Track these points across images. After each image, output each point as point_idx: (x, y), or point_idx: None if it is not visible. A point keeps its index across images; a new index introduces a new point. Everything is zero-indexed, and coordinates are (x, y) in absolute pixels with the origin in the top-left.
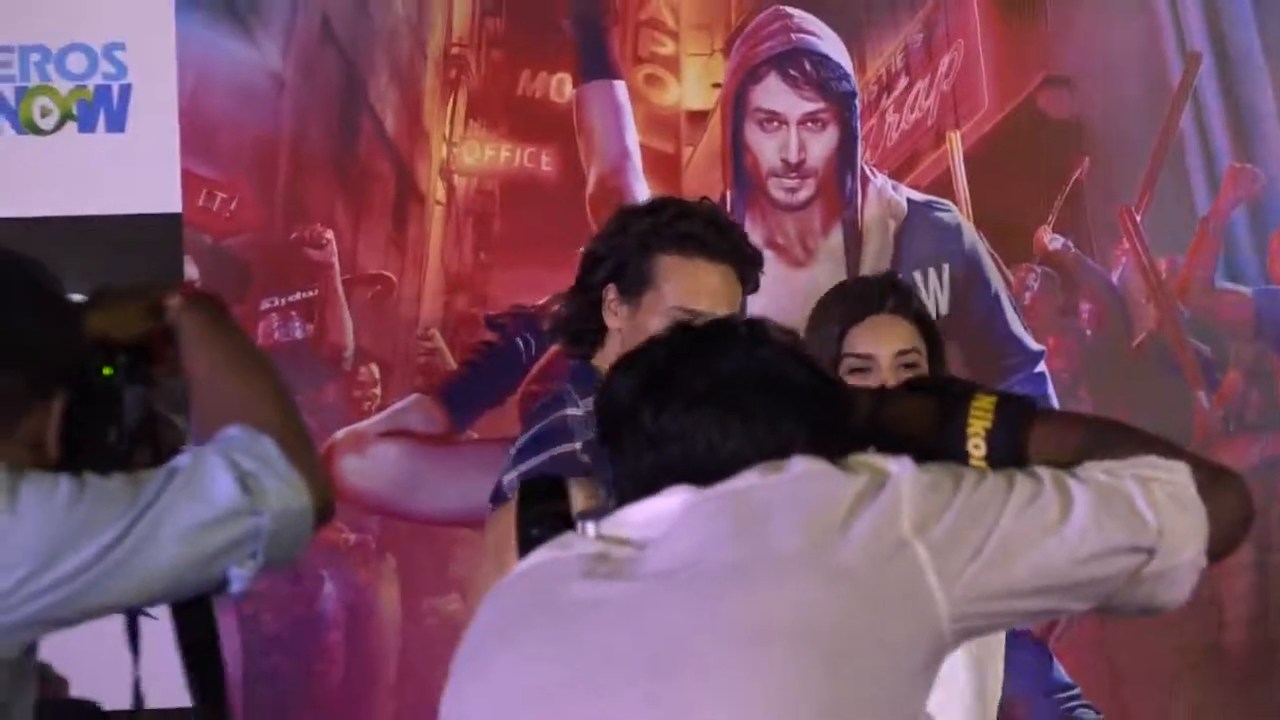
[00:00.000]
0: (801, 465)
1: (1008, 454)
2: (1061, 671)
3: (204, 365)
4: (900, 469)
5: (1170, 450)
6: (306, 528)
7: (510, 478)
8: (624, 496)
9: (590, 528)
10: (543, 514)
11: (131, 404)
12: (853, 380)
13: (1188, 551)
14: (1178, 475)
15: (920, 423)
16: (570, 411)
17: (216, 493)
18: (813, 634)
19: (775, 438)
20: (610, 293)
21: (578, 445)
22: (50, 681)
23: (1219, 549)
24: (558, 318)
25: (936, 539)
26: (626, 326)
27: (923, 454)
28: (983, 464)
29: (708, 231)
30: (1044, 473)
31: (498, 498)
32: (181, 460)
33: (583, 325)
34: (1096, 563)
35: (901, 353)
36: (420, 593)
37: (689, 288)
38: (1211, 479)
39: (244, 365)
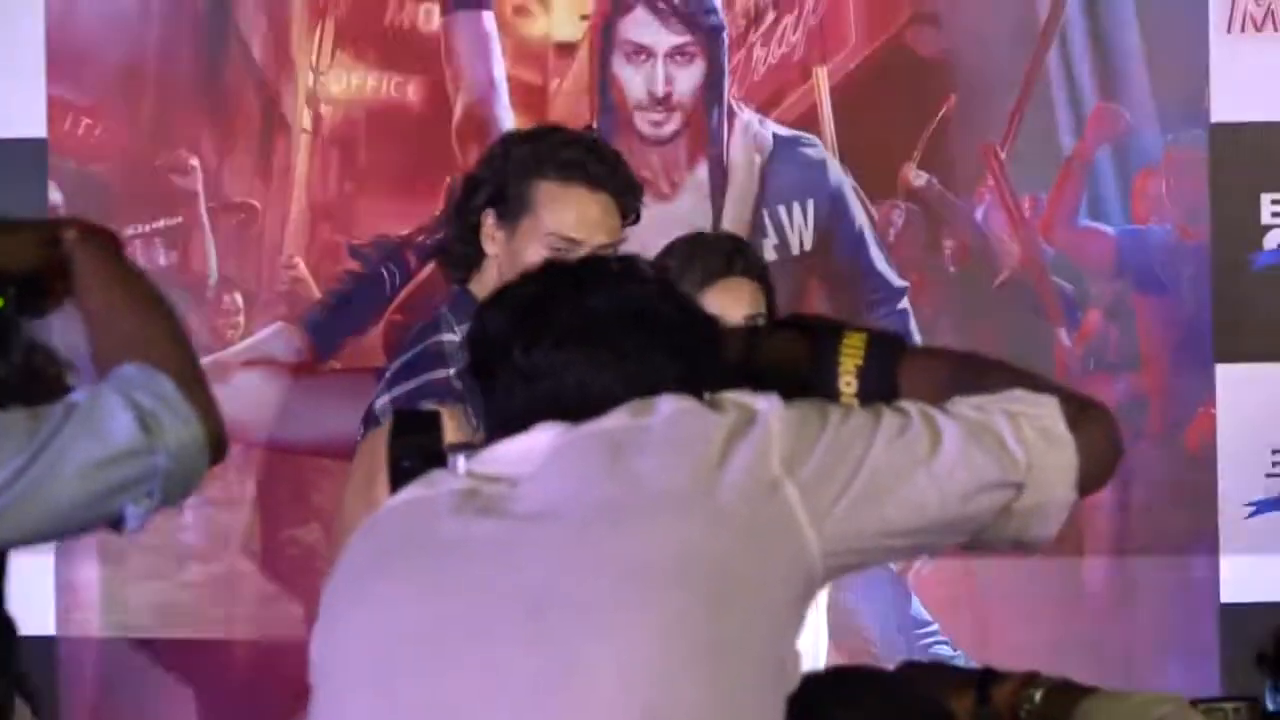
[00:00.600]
0: (671, 404)
1: (879, 390)
2: (920, 608)
3: (100, 298)
4: (768, 405)
5: (1040, 385)
6: (202, 467)
7: (382, 401)
8: (494, 432)
9: (461, 462)
10: (414, 445)
11: (19, 337)
12: None
13: (1058, 487)
14: (1046, 409)
15: (792, 360)
16: (446, 337)
17: (115, 431)
18: (693, 573)
19: (647, 374)
20: (489, 218)
21: (451, 371)
22: None
23: (1088, 484)
24: (438, 242)
25: (805, 477)
26: (504, 252)
27: (795, 391)
28: (854, 400)
29: (589, 159)
30: (912, 408)
31: (369, 421)
32: (79, 396)
33: (461, 250)
34: (965, 499)
35: (750, 316)
36: (280, 523)
37: (567, 215)
38: (1080, 413)
39: (141, 302)
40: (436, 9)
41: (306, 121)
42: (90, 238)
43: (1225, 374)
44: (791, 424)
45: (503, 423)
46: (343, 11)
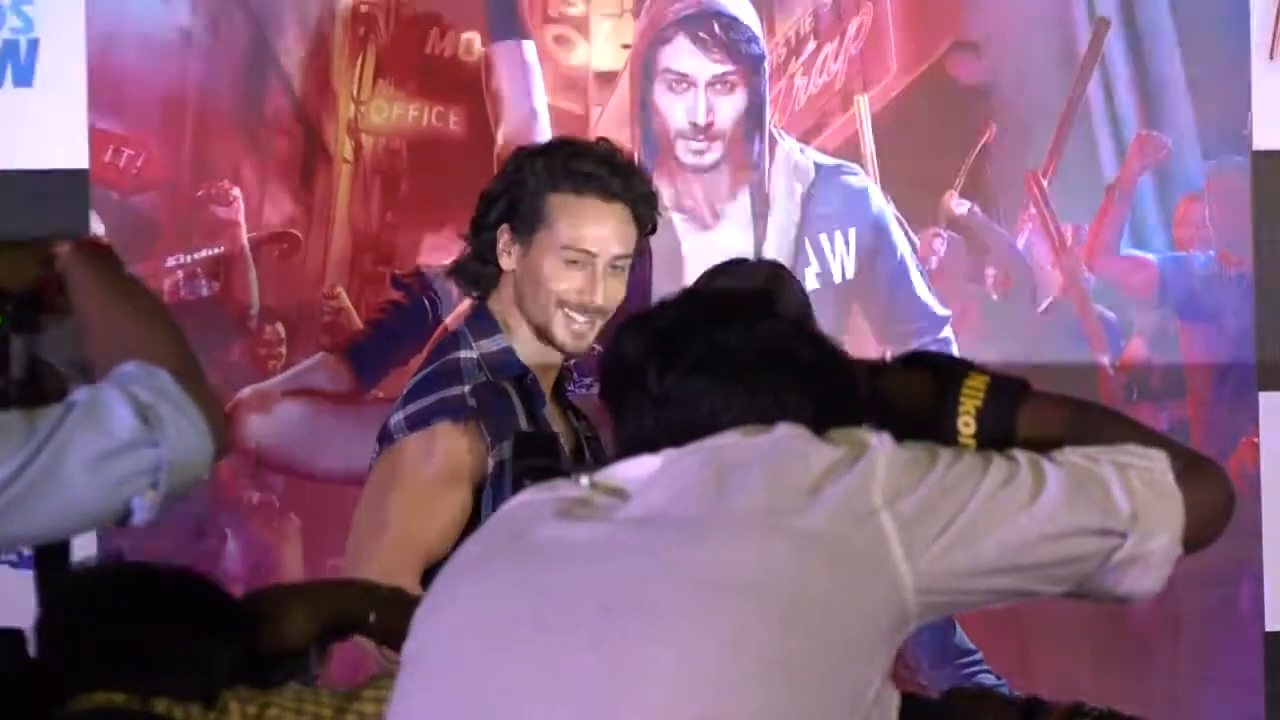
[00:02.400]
0: (783, 430)
1: (997, 433)
2: (963, 637)
3: (96, 309)
4: (879, 443)
5: (1154, 438)
6: (206, 457)
7: (396, 419)
8: (622, 454)
9: (584, 479)
10: (535, 467)
11: (19, 352)
12: None
13: (1161, 538)
14: (1156, 462)
15: (914, 397)
16: (463, 354)
17: (115, 424)
18: (770, 590)
19: (778, 410)
20: (504, 233)
21: (466, 388)
22: None
23: (1195, 538)
24: (455, 260)
25: (905, 511)
26: (520, 267)
27: (914, 428)
28: (972, 441)
29: (601, 169)
30: (1021, 455)
31: (383, 439)
32: (78, 395)
33: (479, 267)
34: (1064, 543)
35: None
36: (324, 552)
37: (582, 227)
38: (1191, 467)
39: (135, 306)
40: (477, 39)
41: (348, 151)
42: (84, 251)
43: (1269, 402)
44: (900, 461)
45: (631, 446)
46: (384, 42)
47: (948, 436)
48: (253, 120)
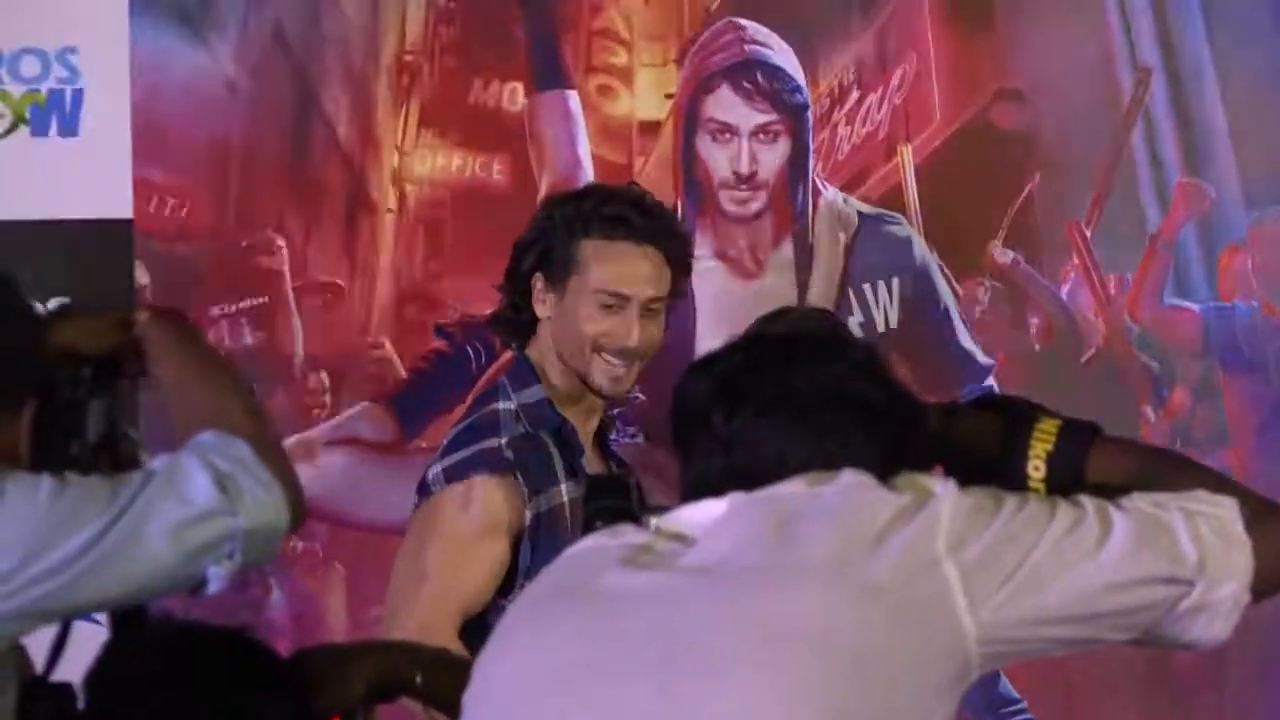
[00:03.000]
0: (849, 478)
1: (1066, 477)
2: (1008, 685)
3: (174, 377)
4: (944, 490)
5: (1225, 485)
6: (282, 527)
7: (435, 471)
8: (688, 497)
9: (654, 522)
10: (608, 508)
11: (95, 416)
12: None
13: (1229, 586)
14: (1225, 510)
15: (985, 440)
16: (501, 405)
17: (195, 493)
18: (832, 642)
19: (845, 454)
20: (538, 282)
21: (503, 440)
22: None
23: (1264, 585)
24: (494, 311)
25: (969, 561)
26: (555, 313)
27: (983, 470)
28: (1041, 485)
29: (632, 213)
30: (1088, 502)
31: (422, 490)
32: (157, 463)
33: (514, 316)
34: (1130, 591)
35: None
36: (368, 601)
37: (615, 271)
38: (1261, 514)
39: (213, 376)
40: (521, 88)
41: (392, 201)
42: (163, 318)
43: None
44: (964, 509)
45: (697, 489)
46: (427, 92)
47: (1017, 480)
48: (297, 170)
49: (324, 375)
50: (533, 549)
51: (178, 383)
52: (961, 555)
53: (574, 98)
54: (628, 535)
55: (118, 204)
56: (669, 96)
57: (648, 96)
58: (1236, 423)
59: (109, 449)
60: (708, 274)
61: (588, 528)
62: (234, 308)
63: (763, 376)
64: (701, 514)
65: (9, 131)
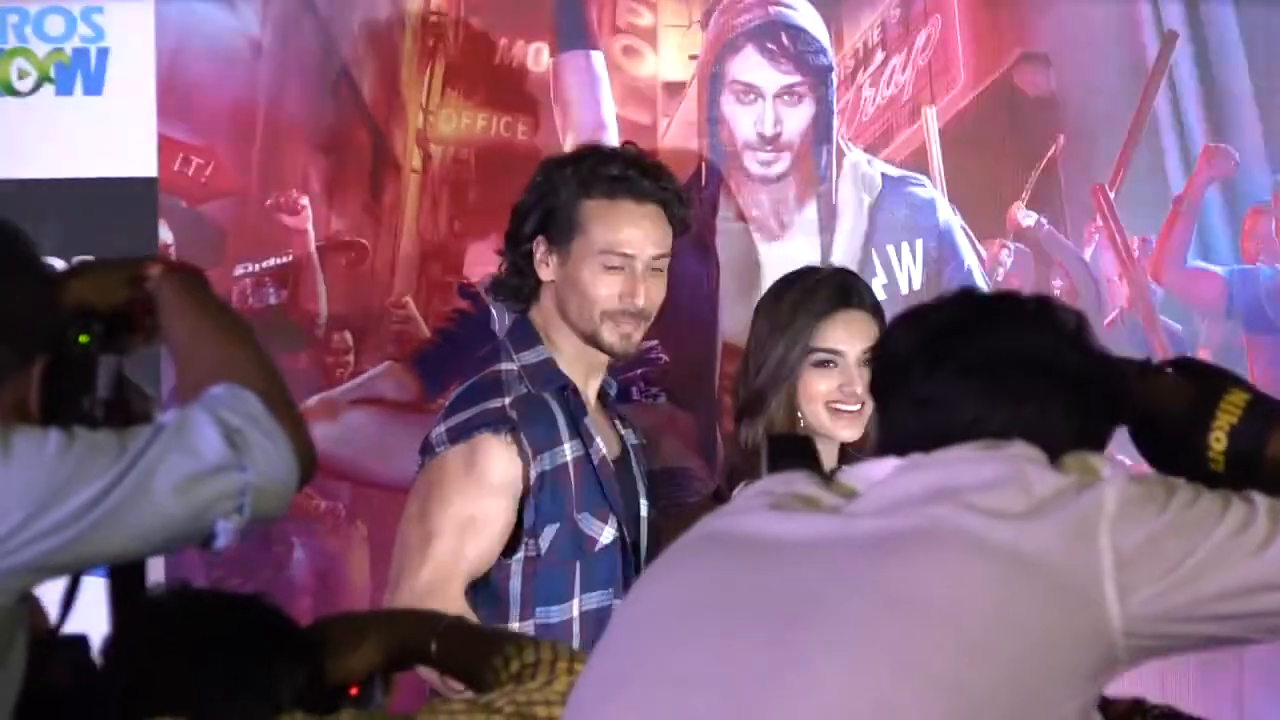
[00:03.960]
0: (1018, 449)
1: (1247, 452)
2: None
3: (185, 331)
4: (1112, 474)
5: None
6: (291, 483)
7: (438, 431)
8: (880, 451)
9: (843, 477)
10: (793, 469)
11: (105, 372)
12: (818, 374)
13: None
14: None
15: (1172, 404)
16: (504, 366)
17: (204, 447)
18: (963, 616)
19: (1040, 422)
20: (540, 245)
21: (506, 400)
22: (36, 614)
23: None
24: (495, 275)
25: (1127, 550)
26: (559, 276)
27: (1166, 435)
28: (1220, 458)
29: (631, 173)
30: (1260, 500)
31: (425, 450)
32: (167, 417)
33: (518, 280)
34: None
35: (867, 349)
36: (390, 560)
37: (616, 230)
38: None
39: (225, 331)
40: (546, 49)
41: (416, 161)
42: (175, 273)
43: None
44: (1131, 495)
45: (888, 445)
46: (453, 52)
47: (1198, 448)
48: (321, 129)
49: (347, 334)
50: (536, 508)
51: (189, 337)
52: (1120, 544)
53: (598, 58)
54: (798, 484)
55: (142, 163)
56: (693, 58)
57: (672, 58)
58: (1259, 384)
59: (120, 405)
60: (731, 235)
61: None
62: (258, 267)
63: (969, 337)
64: (875, 471)
65: (34, 90)
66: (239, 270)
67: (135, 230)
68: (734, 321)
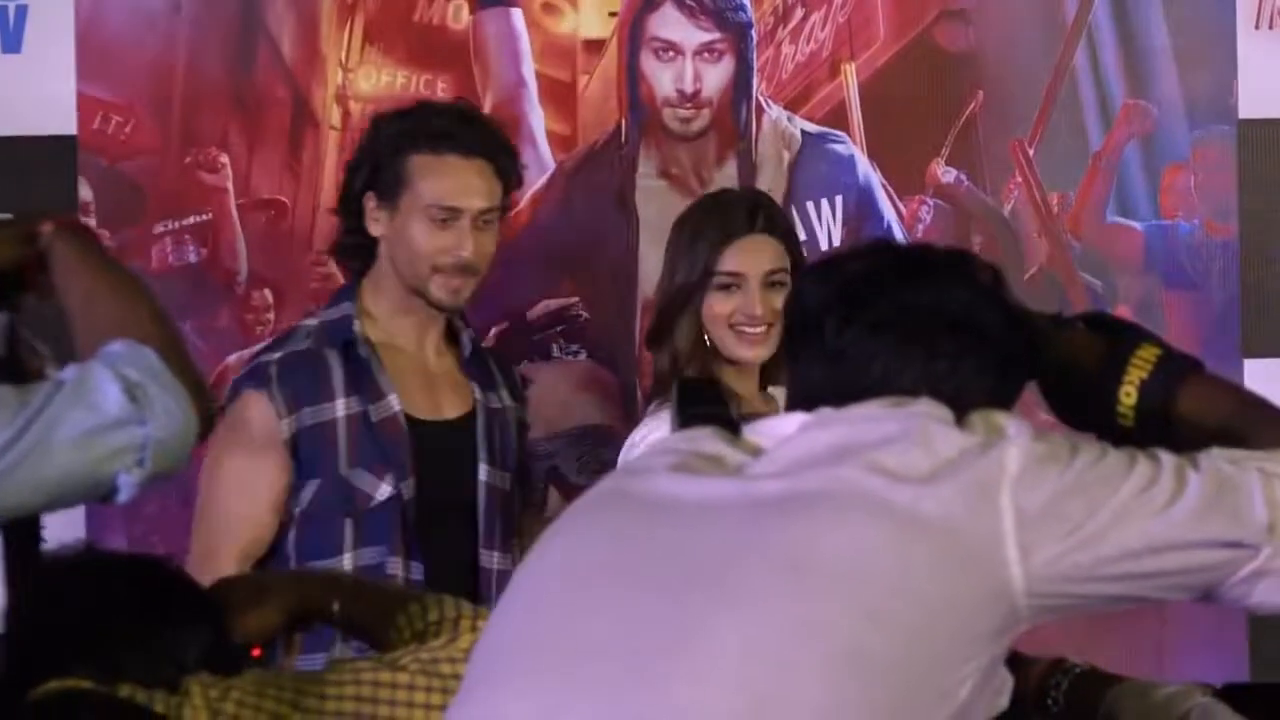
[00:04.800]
0: (922, 407)
1: (1156, 407)
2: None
3: (81, 289)
4: (1016, 433)
5: None
6: (190, 436)
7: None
8: (790, 406)
9: (749, 434)
10: (703, 415)
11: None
12: (720, 297)
13: None
14: None
15: (1084, 357)
16: (306, 322)
17: (104, 401)
18: (864, 580)
19: (952, 379)
20: (370, 201)
21: (277, 355)
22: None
23: None
24: (334, 240)
25: (1029, 510)
26: (388, 231)
27: (1078, 388)
28: (1130, 412)
29: (458, 127)
30: (1166, 458)
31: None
32: (67, 373)
33: (350, 240)
34: (1191, 552)
35: (770, 272)
36: None
37: (444, 184)
38: None
39: (120, 287)
40: (465, 6)
41: (336, 119)
42: (67, 231)
43: (1253, 369)
44: (1034, 454)
45: (798, 399)
46: (371, 9)
47: (1108, 403)
48: (241, 87)
49: (267, 292)
50: (298, 465)
51: (84, 295)
52: (1022, 503)
53: (518, 15)
54: (702, 442)
55: (61, 120)
56: (613, 14)
57: (592, 14)
58: (1178, 340)
59: (12, 361)
60: (651, 192)
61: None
62: (177, 224)
63: (883, 290)
64: (785, 427)
65: None
66: (159, 228)
67: (55, 188)
68: (654, 278)
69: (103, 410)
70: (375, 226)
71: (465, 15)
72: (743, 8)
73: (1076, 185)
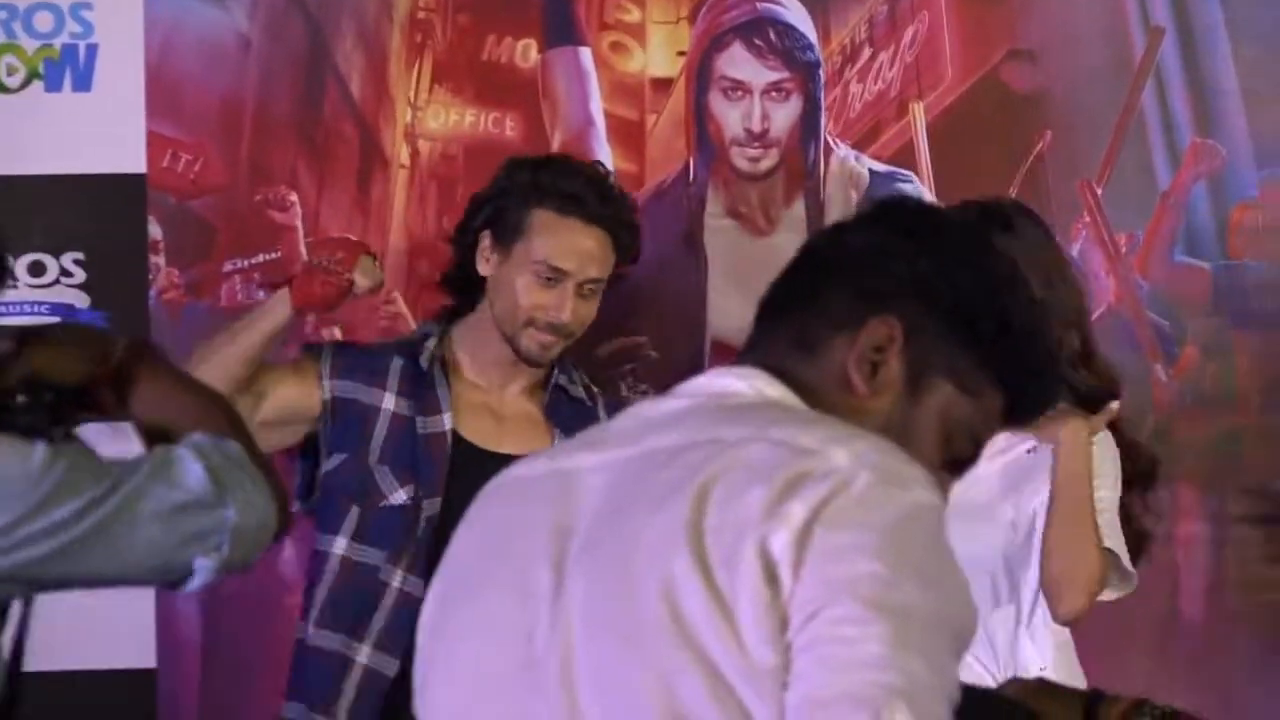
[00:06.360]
0: (775, 393)
1: None
2: None
3: (161, 400)
4: (854, 464)
5: None
6: (270, 527)
7: None
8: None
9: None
10: None
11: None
12: None
13: None
14: None
15: None
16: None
17: (189, 479)
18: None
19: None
20: (486, 238)
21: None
22: None
23: None
24: (444, 272)
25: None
26: (496, 274)
27: None
28: None
29: (587, 192)
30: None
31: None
32: (149, 453)
33: (458, 274)
34: None
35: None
36: None
37: (558, 245)
38: None
39: (200, 396)
40: (534, 45)
41: (404, 157)
42: (141, 350)
43: None
44: (855, 500)
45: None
46: (441, 48)
47: None
48: (310, 125)
49: (336, 330)
50: (330, 434)
51: (166, 406)
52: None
53: (586, 54)
54: (620, 420)
55: (131, 159)
56: (681, 54)
57: (660, 53)
58: (1245, 380)
59: None
60: (719, 231)
61: None
62: (246, 263)
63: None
64: (669, 404)
65: (23, 86)
66: (228, 266)
67: (124, 227)
68: (722, 318)
69: (188, 488)
70: (484, 265)
71: (534, 54)
72: (811, 47)
73: (1144, 225)
